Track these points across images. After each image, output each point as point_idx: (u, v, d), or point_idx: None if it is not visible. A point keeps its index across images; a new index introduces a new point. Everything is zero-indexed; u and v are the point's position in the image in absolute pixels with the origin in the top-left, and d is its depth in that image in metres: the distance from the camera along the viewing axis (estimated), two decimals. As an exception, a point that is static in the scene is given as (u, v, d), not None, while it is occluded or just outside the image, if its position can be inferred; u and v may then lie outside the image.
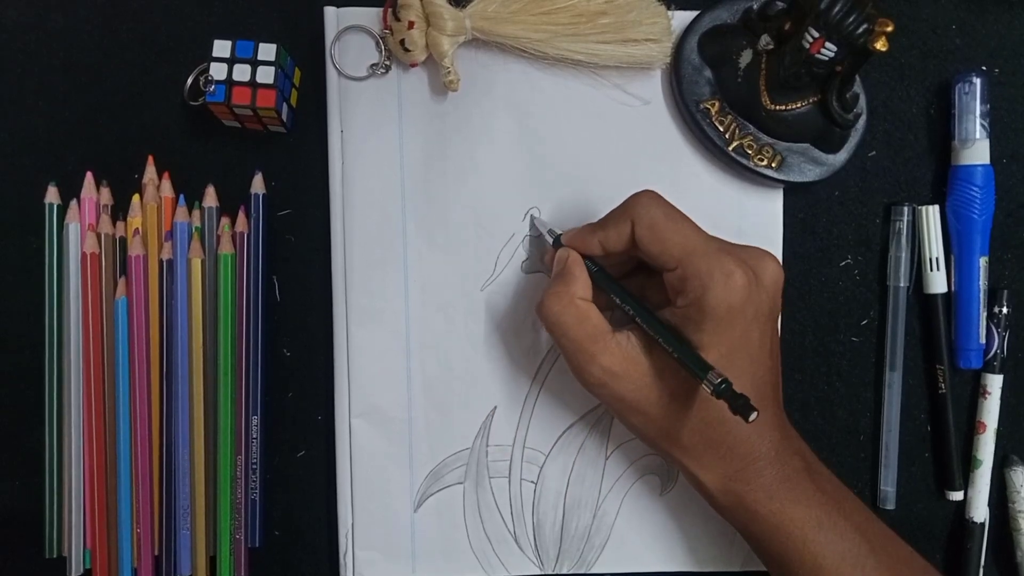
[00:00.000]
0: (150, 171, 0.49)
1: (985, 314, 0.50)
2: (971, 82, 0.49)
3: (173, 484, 0.48)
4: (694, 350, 0.41)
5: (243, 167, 0.49)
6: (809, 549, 0.41)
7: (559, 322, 0.43)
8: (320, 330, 0.50)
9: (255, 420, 0.48)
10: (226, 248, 0.48)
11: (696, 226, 0.42)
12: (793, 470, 0.42)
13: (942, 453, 0.51)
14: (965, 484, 0.51)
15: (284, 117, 0.48)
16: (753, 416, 0.37)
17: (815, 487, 0.42)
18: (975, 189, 0.49)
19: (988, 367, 0.51)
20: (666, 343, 0.41)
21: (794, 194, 0.51)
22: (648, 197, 0.43)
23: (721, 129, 0.49)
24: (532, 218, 0.49)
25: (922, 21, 0.52)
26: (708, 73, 0.49)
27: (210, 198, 0.49)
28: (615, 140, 0.50)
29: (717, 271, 0.40)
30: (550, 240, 0.47)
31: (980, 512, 0.51)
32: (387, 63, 0.49)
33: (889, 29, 0.41)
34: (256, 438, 0.48)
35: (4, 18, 0.50)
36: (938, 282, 0.50)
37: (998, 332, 0.51)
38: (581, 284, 0.44)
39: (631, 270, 0.47)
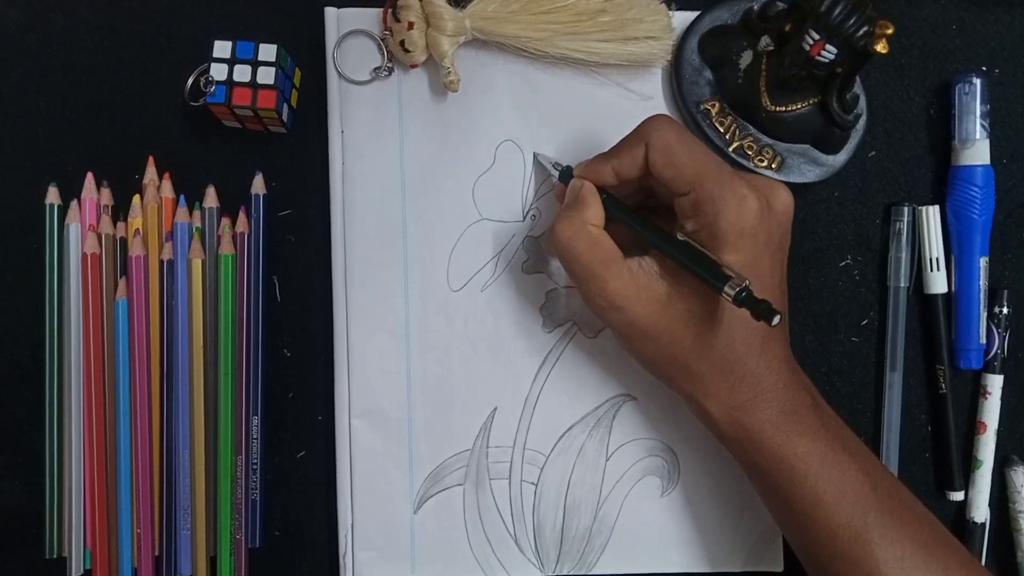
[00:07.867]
0: (151, 171, 0.49)
1: (985, 314, 0.50)
2: (971, 82, 0.49)
3: (173, 484, 0.48)
4: (714, 262, 0.40)
5: (243, 167, 0.49)
6: (810, 483, 0.41)
7: (570, 247, 0.42)
8: (320, 330, 0.50)
9: (255, 420, 0.48)
10: (226, 248, 0.48)
11: (709, 151, 0.42)
12: (800, 403, 0.42)
13: (942, 453, 0.51)
14: (966, 484, 0.51)
15: (285, 118, 0.48)
16: (776, 320, 0.36)
17: (820, 423, 0.42)
18: (975, 189, 0.49)
19: (988, 367, 0.51)
20: (684, 258, 0.41)
21: (794, 195, 0.51)
22: (661, 121, 0.43)
23: (721, 130, 0.49)
24: (536, 156, 0.49)
25: (922, 21, 0.52)
26: (708, 74, 0.49)
27: (210, 198, 0.49)
28: (616, 141, 0.50)
29: (730, 195, 0.40)
30: (555, 174, 0.47)
31: (981, 512, 0.51)
32: (389, 65, 0.49)
33: (889, 31, 0.41)
34: (256, 438, 0.48)
35: (4, 18, 0.50)
36: (938, 282, 0.50)
37: (998, 332, 0.51)
38: (594, 211, 0.43)
39: (636, 206, 0.46)
